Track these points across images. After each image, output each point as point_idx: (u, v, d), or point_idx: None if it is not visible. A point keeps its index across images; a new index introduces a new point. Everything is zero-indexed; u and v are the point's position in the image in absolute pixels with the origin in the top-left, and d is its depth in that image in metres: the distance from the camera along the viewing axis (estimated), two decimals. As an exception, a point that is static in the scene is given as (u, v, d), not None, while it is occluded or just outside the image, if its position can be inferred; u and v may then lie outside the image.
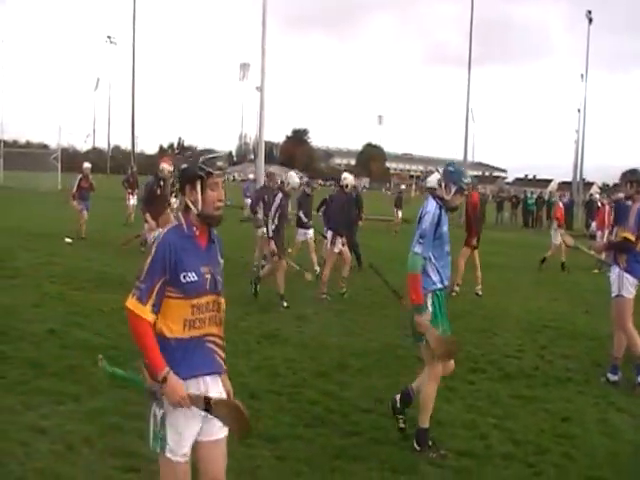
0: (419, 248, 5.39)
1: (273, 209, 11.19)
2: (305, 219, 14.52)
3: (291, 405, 6.27)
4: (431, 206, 5.52)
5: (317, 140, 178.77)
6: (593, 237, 19.24)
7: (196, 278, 3.37)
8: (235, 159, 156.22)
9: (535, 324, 10.80)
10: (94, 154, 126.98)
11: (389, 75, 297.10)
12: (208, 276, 3.44)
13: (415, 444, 5.46)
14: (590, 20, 49.41)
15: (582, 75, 52.06)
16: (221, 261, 3.57)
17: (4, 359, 7.11)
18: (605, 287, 8.34)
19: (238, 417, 3.41)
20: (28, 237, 18.29)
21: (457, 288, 13.03)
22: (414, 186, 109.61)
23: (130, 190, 24.42)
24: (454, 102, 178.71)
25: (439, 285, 5.56)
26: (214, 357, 3.54)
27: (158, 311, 3.34)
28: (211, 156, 3.44)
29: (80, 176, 20.16)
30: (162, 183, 12.12)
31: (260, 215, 13.88)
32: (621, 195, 10.08)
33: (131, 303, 3.33)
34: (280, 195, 11.31)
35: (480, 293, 13.22)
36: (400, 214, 29.40)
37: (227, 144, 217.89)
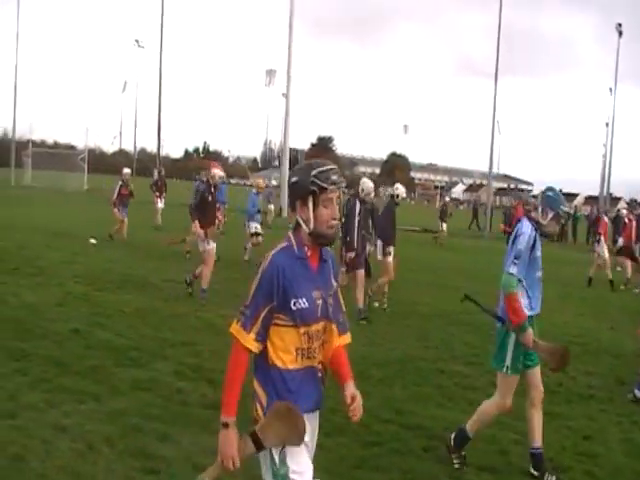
0: (514, 269, 5.24)
1: (354, 219, 10.92)
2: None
3: (310, 413, 6.24)
4: (526, 227, 5.35)
5: (342, 148, 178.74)
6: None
7: (307, 305, 3.10)
8: (260, 165, 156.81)
9: (560, 339, 10.60)
10: (120, 156, 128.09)
11: (415, 84, 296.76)
12: (320, 301, 3.17)
13: (451, 442, 5.45)
14: (620, 33, 49.10)
15: (611, 89, 51.70)
16: (334, 283, 3.30)
17: (28, 357, 7.16)
18: (631, 304, 8.27)
19: (290, 424, 3.15)
20: (53, 236, 18.48)
21: None
22: (438, 197, 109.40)
23: (158, 193, 24.52)
24: (480, 113, 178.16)
25: (530, 310, 5.39)
26: (320, 389, 3.32)
27: (263, 340, 3.10)
28: (324, 169, 3.11)
29: (120, 182, 20.05)
30: (213, 190, 12.00)
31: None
32: None
33: (235, 329, 3.11)
34: (358, 203, 11.06)
35: None
36: (445, 226, 29.14)
37: (252, 150, 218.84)
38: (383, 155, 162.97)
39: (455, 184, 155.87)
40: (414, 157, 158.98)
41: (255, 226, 17.28)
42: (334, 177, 3.10)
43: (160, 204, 24.48)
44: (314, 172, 3.08)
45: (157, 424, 5.63)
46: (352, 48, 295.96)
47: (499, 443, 5.93)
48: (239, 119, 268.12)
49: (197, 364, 7.43)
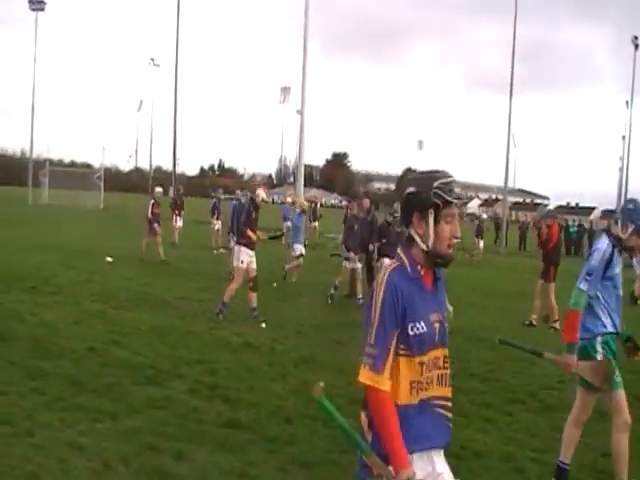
0: (585, 285, 5.11)
1: None
2: (377, 252, 14.13)
3: (326, 431, 6.23)
4: (602, 243, 5.23)
5: (357, 164, 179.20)
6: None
7: (425, 329, 2.77)
8: (275, 182, 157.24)
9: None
10: (136, 174, 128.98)
11: (430, 100, 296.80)
12: (437, 325, 2.83)
13: None
14: (636, 46, 48.91)
15: (627, 101, 51.49)
16: (449, 307, 3.09)
17: (45, 375, 7.21)
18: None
19: None
20: (70, 255, 18.61)
21: (557, 325, 12.54)
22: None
23: (177, 211, 24.66)
24: (496, 127, 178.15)
25: (610, 329, 5.24)
26: (444, 425, 2.88)
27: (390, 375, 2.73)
28: (448, 180, 2.80)
29: (152, 201, 20.07)
30: (256, 208, 12.16)
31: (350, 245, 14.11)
32: None
33: (366, 376, 2.73)
34: None
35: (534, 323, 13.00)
36: (482, 244, 28.85)
37: (267, 167, 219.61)
38: (398, 171, 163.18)
39: (471, 199, 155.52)
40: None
41: (300, 248, 17.12)
42: (457, 190, 2.80)
43: (179, 222, 24.62)
44: (437, 183, 2.77)
45: (173, 443, 5.64)
46: (366, 64, 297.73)
47: (515, 461, 5.89)
48: (254, 136, 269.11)
49: (213, 382, 7.44)
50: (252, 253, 11.68)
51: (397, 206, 14.99)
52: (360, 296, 14.07)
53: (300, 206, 18.29)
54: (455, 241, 2.82)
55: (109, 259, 18.04)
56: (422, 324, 2.75)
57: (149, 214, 19.66)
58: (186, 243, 24.11)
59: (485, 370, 9.12)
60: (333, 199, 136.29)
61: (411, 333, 2.74)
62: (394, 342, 2.71)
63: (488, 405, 7.53)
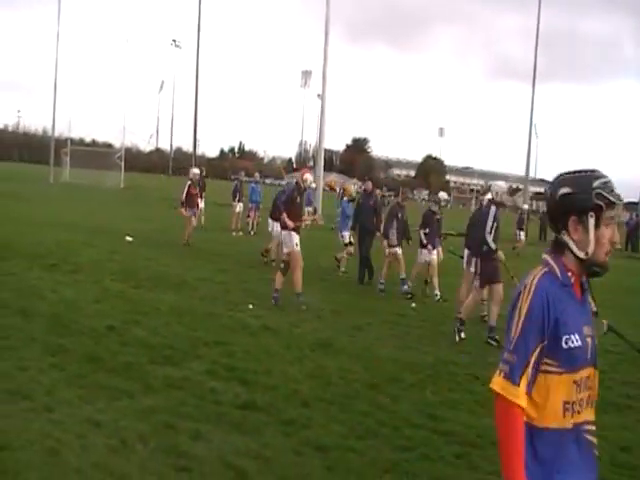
0: None
1: (489, 224, 10.40)
2: (425, 240, 13.93)
3: (343, 415, 6.25)
4: None
5: (377, 150, 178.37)
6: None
7: (580, 343, 2.50)
8: (295, 166, 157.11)
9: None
10: (157, 155, 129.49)
11: (451, 87, 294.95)
12: (589, 340, 2.55)
13: None
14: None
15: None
16: (604, 322, 2.79)
17: (64, 352, 7.26)
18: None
19: None
20: (91, 234, 18.73)
21: None
22: (474, 200, 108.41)
23: (199, 193, 24.63)
24: (517, 117, 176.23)
25: None
26: (592, 455, 2.60)
27: (530, 392, 2.48)
28: (607, 179, 2.54)
29: (189, 182, 19.53)
30: (300, 192, 12.16)
31: (394, 235, 14.00)
32: None
33: (498, 383, 2.50)
34: (493, 208, 10.62)
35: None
36: (523, 236, 28.24)
37: (287, 150, 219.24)
38: (418, 158, 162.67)
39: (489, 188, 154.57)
40: (449, 160, 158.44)
41: (348, 236, 16.62)
42: (616, 190, 2.51)
43: (201, 204, 24.62)
44: (597, 183, 2.51)
45: (190, 422, 5.68)
46: (389, 51, 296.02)
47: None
48: (275, 119, 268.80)
49: (230, 364, 7.47)
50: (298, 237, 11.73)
51: (442, 195, 15.01)
52: (382, 280, 14.05)
53: (348, 193, 17.73)
54: (613, 247, 2.55)
55: (129, 238, 18.14)
56: (577, 337, 2.49)
57: (183, 196, 19.12)
58: (206, 225, 24.19)
59: (503, 360, 9.06)
60: (353, 184, 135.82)
61: (565, 347, 2.48)
62: (536, 354, 2.47)
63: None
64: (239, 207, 24.17)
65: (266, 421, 5.90)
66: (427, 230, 13.94)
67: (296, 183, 12.22)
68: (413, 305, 12.23)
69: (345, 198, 17.61)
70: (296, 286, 11.43)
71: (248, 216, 24.84)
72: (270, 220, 16.50)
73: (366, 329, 10.13)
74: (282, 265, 11.76)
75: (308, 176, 12.34)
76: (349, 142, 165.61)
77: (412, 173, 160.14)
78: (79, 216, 23.58)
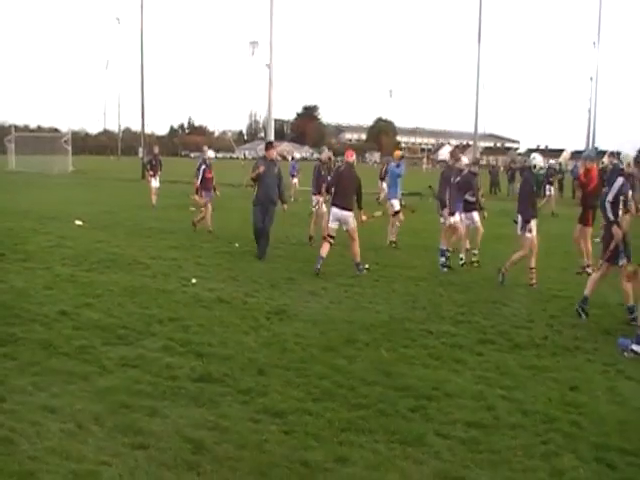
0: None
1: (613, 194, 9.42)
2: (472, 199, 13.51)
3: (299, 380, 6.30)
4: None
5: (328, 116, 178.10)
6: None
7: None
8: (245, 138, 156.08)
9: (545, 294, 10.77)
10: (105, 136, 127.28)
11: (399, 48, 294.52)
12: None
13: None
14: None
15: (594, 42, 51.38)
16: None
17: (16, 341, 7.17)
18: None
19: None
20: (39, 220, 18.39)
21: (589, 269, 12.42)
22: (425, 159, 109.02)
23: (152, 172, 24.35)
24: (465, 74, 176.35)
25: None
26: None
27: None
28: None
29: (203, 166, 17.97)
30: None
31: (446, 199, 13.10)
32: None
33: None
34: (621, 179, 10.06)
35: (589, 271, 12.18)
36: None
37: (237, 123, 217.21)
38: (369, 121, 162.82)
39: (441, 146, 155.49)
40: (400, 122, 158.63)
41: (396, 204, 15.90)
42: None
43: (155, 183, 24.33)
44: None
45: (146, 400, 5.67)
46: (334, 14, 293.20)
47: (486, 399, 6.00)
48: (223, 92, 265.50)
49: (185, 339, 7.46)
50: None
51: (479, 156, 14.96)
52: (448, 248, 13.27)
53: (396, 157, 16.89)
54: None
55: (79, 222, 17.87)
56: None
57: (198, 181, 17.83)
58: (165, 202, 23.98)
59: (456, 312, 9.23)
60: (304, 152, 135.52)
61: None
62: None
63: (460, 346, 7.64)
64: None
65: (222, 392, 5.93)
66: (472, 193, 13.46)
67: (318, 159, 12.67)
68: (367, 266, 12.30)
69: (393, 163, 16.78)
70: (355, 257, 12.25)
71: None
72: (314, 197, 16.15)
73: (321, 294, 10.18)
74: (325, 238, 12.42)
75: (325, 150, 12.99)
76: (299, 110, 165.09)
77: (363, 136, 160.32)
78: (27, 204, 23.10)
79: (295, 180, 31.55)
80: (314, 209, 16.18)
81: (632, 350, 7.48)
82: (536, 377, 6.67)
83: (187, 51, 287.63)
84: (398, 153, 17.50)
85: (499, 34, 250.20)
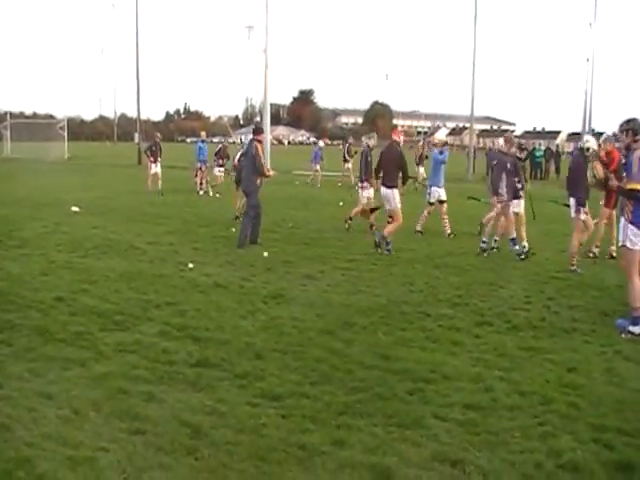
0: None
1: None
2: (519, 186, 13.04)
3: (297, 364, 6.29)
4: None
5: (324, 100, 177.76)
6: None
7: None
8: (241, 122, 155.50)
9: (542, 275, 10.76)
10: (101, 122, 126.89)
11: (395, 30, 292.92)
12: None
13: None
14: (597, -34, 48.35)
15: (590, 23, 51.08)
16: None
17: (12, 327, 7.14)
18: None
19: None
20: (36, 207, 18.34)
21: (596, 250, 12.49)
22: (421, 142, 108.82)
23: (152, 158, 24.21)
24: (461, 56, 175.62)
25: None
26: None
27: None
28: None
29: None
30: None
31: (502, 189, 12.52)
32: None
33: None
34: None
35: (614, 254, 12.12)
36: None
37: (234, 108, 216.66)
38: (365, 105, 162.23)
39: (438, 129, 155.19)
40: (396, 105, 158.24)
41: (440, 193, 15.25)
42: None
43: (155, 169, 24.18)
44: None
45: (143, 385, 5.66)
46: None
47: (484, 381, 5.99)
48: (219, 77, 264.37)
49: (182, 323, 7.45)
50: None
51: (524, 141, 14.72)
52: (496, 238, 13.22)
53: (439, 143, 16.58)
54: None
55: (75, 209, 17.80)
56: None
57: (236, 164, 17.25)
58: (152, 188, 23.88)
59: (453, 295, 9.21)
60: (300, 136, 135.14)
61: None
62: None
63: (457, 329, 7.63)
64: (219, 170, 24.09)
65: (220, 377, 5.91)
66: (519, 179, 12.95)
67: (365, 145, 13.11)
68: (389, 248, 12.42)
69: (436, 150, 16.11)
70: (388, 235, 12.61)
71: (196, 175, 24.66)
72: (364, 183, 15.29)
73: (318, 277, 10.16)
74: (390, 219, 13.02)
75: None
76: (295, 95, 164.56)
77: (360, 120, 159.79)
78: (23, 190, 23.02)
79: (317, 166, 30.77)
80: (362, 195, 15.35)
81: (629, 331, 7.48)
82: (533, 358, 6.66)
83: (183, 36, 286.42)
84: (440, 139, 17.10)
85: (495, 16, 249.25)
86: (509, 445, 4.76)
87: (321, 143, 35.16)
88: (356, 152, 32.20)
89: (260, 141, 13.36)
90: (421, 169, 28.26)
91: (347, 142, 32.14)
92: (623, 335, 7.47)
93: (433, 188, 15.35)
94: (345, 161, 30.24)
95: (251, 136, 13.61)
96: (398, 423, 5.07)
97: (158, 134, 25.96)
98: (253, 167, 13.17)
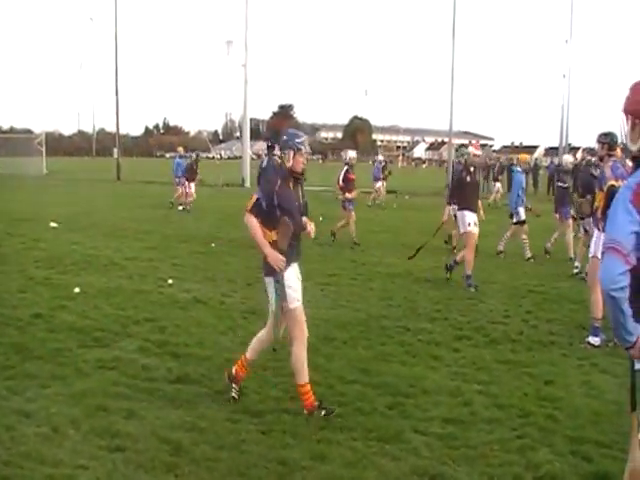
0: None
1: None
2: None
3: (276, 379, 6.30)
4: None
5: (303, 115, 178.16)
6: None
7: None
8: (221, 137, 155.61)
9: (520, 289, 10.86)
10: (79, 137, 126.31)
11: (374, 46, 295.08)
12: None
13: None
14: (571, -17, 48.96)
15: (566, 40, 51.75)
16: None
17: (-11, 346, 7.08)
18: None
19: None
20: (13, 223, 18.20)
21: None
22: (400, 157, 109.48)
23: (189, 177, 23.83)
24: (440, 71, 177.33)
25: None
26: None
27: None
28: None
29: (346, 167, 16.43)
30: (472, 170, 11.29)
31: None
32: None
33: None
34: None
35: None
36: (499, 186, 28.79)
37: (213, 123, 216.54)
38: (345, 120, 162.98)
39: (417, 144, 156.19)
40: (376, 120, 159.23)
41: (522, 212, 14.56)
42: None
43: (191, 189, 23.75)
44: None
45: (123, 402, 5.63)
46: (309, 14, 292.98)
47: (463, 395, 6.03)
48: (199, 92, 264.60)
49: (162, 340, 7.42)
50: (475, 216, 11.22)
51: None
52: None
53: (523, 162, 16.23)
54: None
55: (54, 224, 17.70)
56: None
57: (340, 182, 16.15)
58: (130, 203, 23.81)
59: (432, 309, 9.27)
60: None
61: None
62: None
63: (436, 343, 7.68)
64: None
65: (200, 393, 5.91)
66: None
67: (464, 162, 11.51)
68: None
69: (518, 168, 15.59)
70: (467, 267, 10.99)
71: (177, 191, 24.40)
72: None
73: (298, 293, 10.15)
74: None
75: (471, 149, 11.62)
76: (275, 109, 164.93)
77: (339, 135, 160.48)
78: (0, 206, 22.86)
79: (379, 184, 28.99)
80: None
81: (588, 342, 7.64)
82: (512, 372, 6.72)
83: (162, 51, 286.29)
84: (525, 157, 16.81)
85: (473, 32, 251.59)
86: (488, 458, 4.80)
87: (380, 157, 33.20)
88: (390, 171, 31.70)
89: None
90: (497, 185, 27.91)
91: (384, 161, 31.42)
92: (582, 345, 7.59)
93: (519, 208, 14.54)
94: (379, 179, 29.03)
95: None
96: (378, 437, 5.09)
97: (198, 152, 25.60)
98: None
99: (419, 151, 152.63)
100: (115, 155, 54.15)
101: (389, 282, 11.21)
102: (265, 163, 15.36)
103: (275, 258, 5.42)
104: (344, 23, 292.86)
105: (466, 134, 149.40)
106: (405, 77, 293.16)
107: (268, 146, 16.28)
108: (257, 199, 5.56)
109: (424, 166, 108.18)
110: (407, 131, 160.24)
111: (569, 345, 7.69)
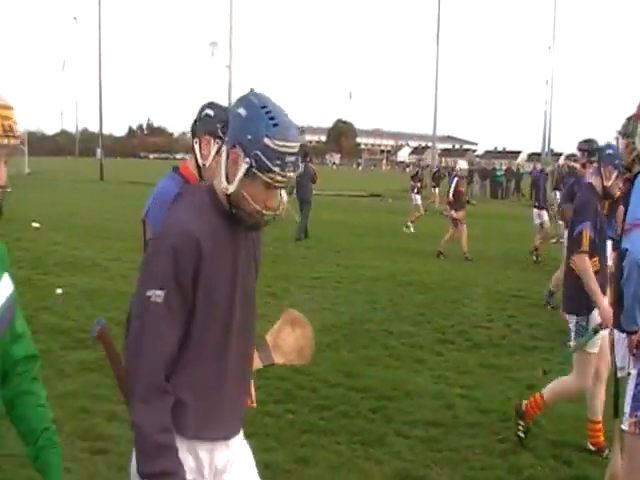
0: None
1: None
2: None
3: (260, 382, 6.22)
4: None
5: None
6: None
7: None
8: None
9: (504, 294, 10.92)
10: (62, 137, 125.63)
11: (358, 50, 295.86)
12: None
13: None
14: (556, -9, 49.43)
15: (549, 47, 52.15)
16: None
17: (-30, 347, 7.02)
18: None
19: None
20: (-5, 223, 18.06)
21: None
22: (384, 161, 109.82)
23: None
24: (424, 75, 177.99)
25: None
26: None
27: None
28: None
29: (456, 179, 15.37)
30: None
31: None
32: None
33: None
34: None
35: None
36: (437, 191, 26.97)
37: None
38: (329, 123, 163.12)
39: (401, 147, 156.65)
40: (360, 123, 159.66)
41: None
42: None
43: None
44: None
45: (105, 404, 5.61)
46: (294, 16, 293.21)
47: (445, 398, 6.06)
48: (183, 93, 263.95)
49: (145, 341, 7.39)
50: None
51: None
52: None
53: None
54: None
55: (36, 225, 17.57)
56: None
57: (450, 196, 14.98)
58: (114, 203, 23.71)
59: (416, 313, 9.31)
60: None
61: None
62: None
63: (420, 346, 7.72)
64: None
65: (183, 395, 5.89)
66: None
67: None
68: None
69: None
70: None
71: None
72: (536, 210, 14.60)
73: (282, 295, 10.17)
74: None
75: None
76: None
77: (323, 138, 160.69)
78: (-19, 206, 22.65)
79: (437, 190, 27.05)
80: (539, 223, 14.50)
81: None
82: (494, 376, 6.76)
83: (146, 51, 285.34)
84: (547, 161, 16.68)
85: (458, 37, 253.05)
86: (470, 462, 4.83)
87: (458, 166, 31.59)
88: (443, 176, 30.59)
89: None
90: (557, 194, 26.75)
91: (437, 168, 30.62)
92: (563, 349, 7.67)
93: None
94: (434, 187, 27.60)
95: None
96: (362, 441, 5.11)
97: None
98: None
99: (403, 155, 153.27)
100: (98, 156, 53.99)
101: (373, 285, 11.24)
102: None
103: (609, 314, 4.23)
104: (329, 26, 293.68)
105: (450, 138, 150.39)
106: (389, 81, 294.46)
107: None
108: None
109: (408, 170, 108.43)
110: (391, 135, 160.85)
111: (551, 349, 7.73)
